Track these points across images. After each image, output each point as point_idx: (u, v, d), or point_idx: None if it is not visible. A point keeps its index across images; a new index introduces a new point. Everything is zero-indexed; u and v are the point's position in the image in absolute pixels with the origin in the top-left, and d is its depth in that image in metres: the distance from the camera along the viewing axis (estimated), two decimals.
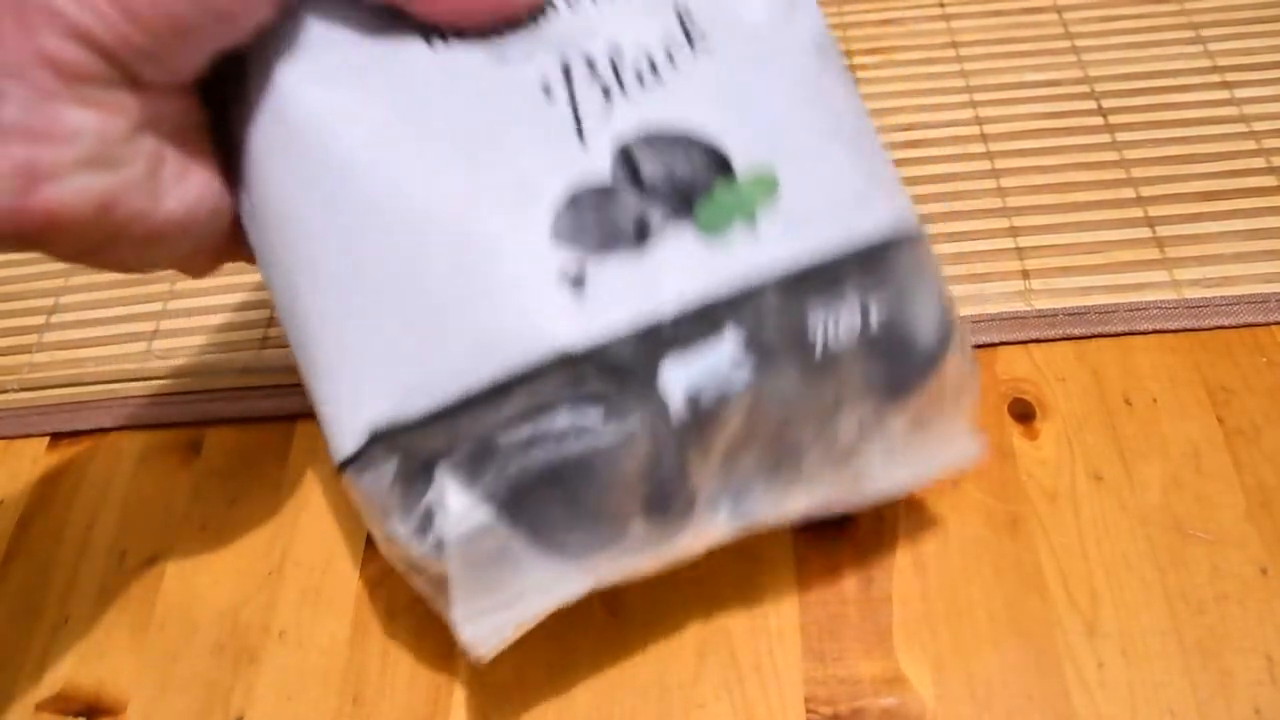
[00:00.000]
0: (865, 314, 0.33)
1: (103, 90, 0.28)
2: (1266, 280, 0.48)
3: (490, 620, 0.33)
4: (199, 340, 0.53)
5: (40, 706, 0.42)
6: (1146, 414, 0.44)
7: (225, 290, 0.55)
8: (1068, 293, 0.48)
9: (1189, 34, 0.59)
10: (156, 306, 0.54)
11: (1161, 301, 0.47)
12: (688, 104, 0.33)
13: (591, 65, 0.33)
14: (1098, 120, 0.55)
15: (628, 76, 0.33)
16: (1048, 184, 0.52)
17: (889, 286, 0.34)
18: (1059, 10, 0.61)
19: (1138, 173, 0.52)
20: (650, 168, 0.32)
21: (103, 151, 0.29)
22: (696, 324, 0.31)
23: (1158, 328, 0.47)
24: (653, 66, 0.33)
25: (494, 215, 0.31)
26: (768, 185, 0.33)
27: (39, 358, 0.53)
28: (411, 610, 0.42)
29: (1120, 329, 0.47)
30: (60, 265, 0.57)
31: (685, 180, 0.32)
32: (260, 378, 0.50)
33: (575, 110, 0.32)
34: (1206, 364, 0.46)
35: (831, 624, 0.40)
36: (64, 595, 0.45)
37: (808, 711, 0.38)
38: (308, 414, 0.49)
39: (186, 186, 0.32)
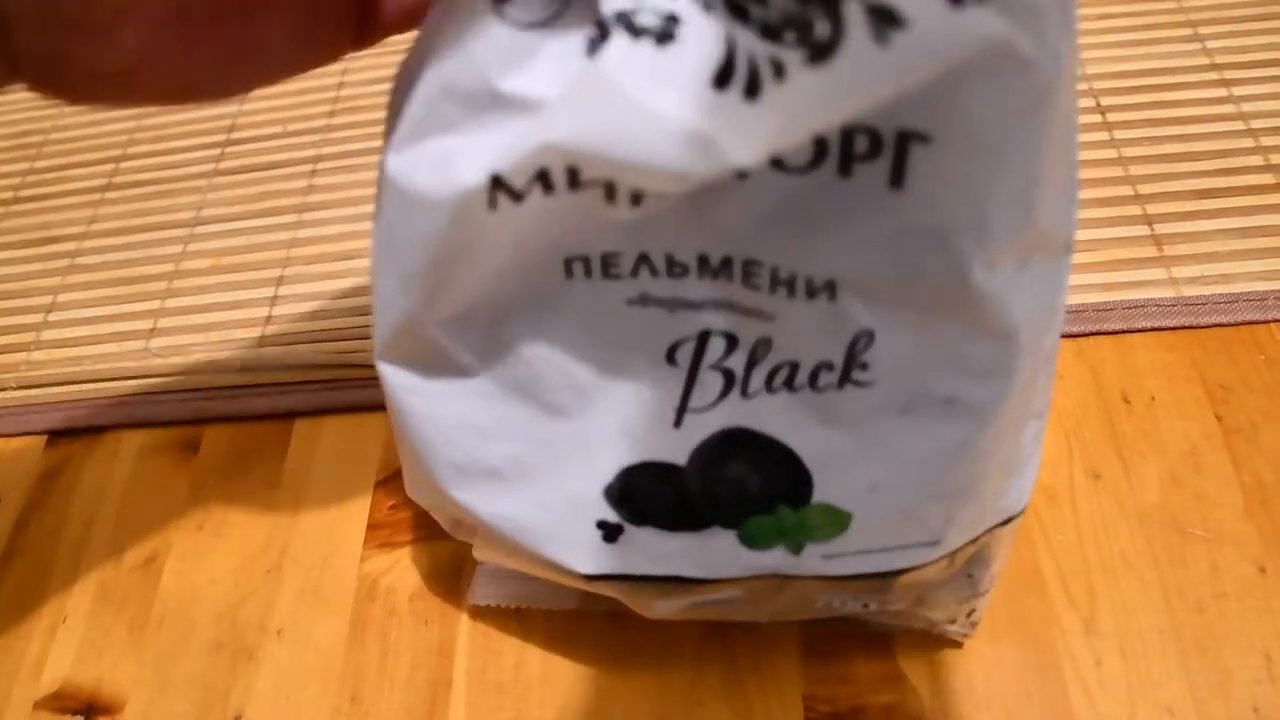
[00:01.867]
0: (868, 605, 0.35)
1: None
2: (1264, 278, 0.48)
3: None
4: (196, 338, 0.53)
5: (39, 705, 0.42)
6: (1144, 412, 0.44)
7: (223, 288, 0.54)
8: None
9: (1187, 31, 0.59)
10: (154, 304, 0.54)
11: (1159, 299, 0.47)
12: (803, 425, 0.30)
13: (731, 346, 0.29)
14: (1095, 118, 0.55)
15: (758, 376, 0.29)
16: None
17: (902, 597, 0.35)
18: None
19: (1135, 170, 0.52)
20: (730, 470, 0.31)
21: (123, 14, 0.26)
22: (705, 584, 0.33)
23: (1156, 325, 0.47)
24: (790, 379, 0.29)
25: (574, 447, 0.31)
26: (838, 523, 0.31)
27: (37, 356, 0.53)
28: (410, 609, 0.42)
29: (1118, 327, 0.47)
30: (58, 264, 0.57)
31: (751, 496, 0.31)
32: (258, 376, 0.50)
33: (687, 394, 0.30)
34: (1205, 362, 0.46)
35: (830, 622, 0.40)
36: (62, 594, 0.45)
37: (806, 710, 0.38)
38: (305, 412, 0.49)
39: None
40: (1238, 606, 0.39)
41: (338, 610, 0.43)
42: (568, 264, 0.28)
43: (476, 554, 0.39)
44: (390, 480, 0.46)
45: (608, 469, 0.31)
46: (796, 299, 0.27)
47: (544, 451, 0.32)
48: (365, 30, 0.31)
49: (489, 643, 0.41)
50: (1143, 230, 0.50)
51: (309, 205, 0.58)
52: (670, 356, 0.29)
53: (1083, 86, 0.57)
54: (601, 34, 0.23)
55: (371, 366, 0.49)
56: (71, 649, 0.43)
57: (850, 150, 0.24)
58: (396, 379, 0.31)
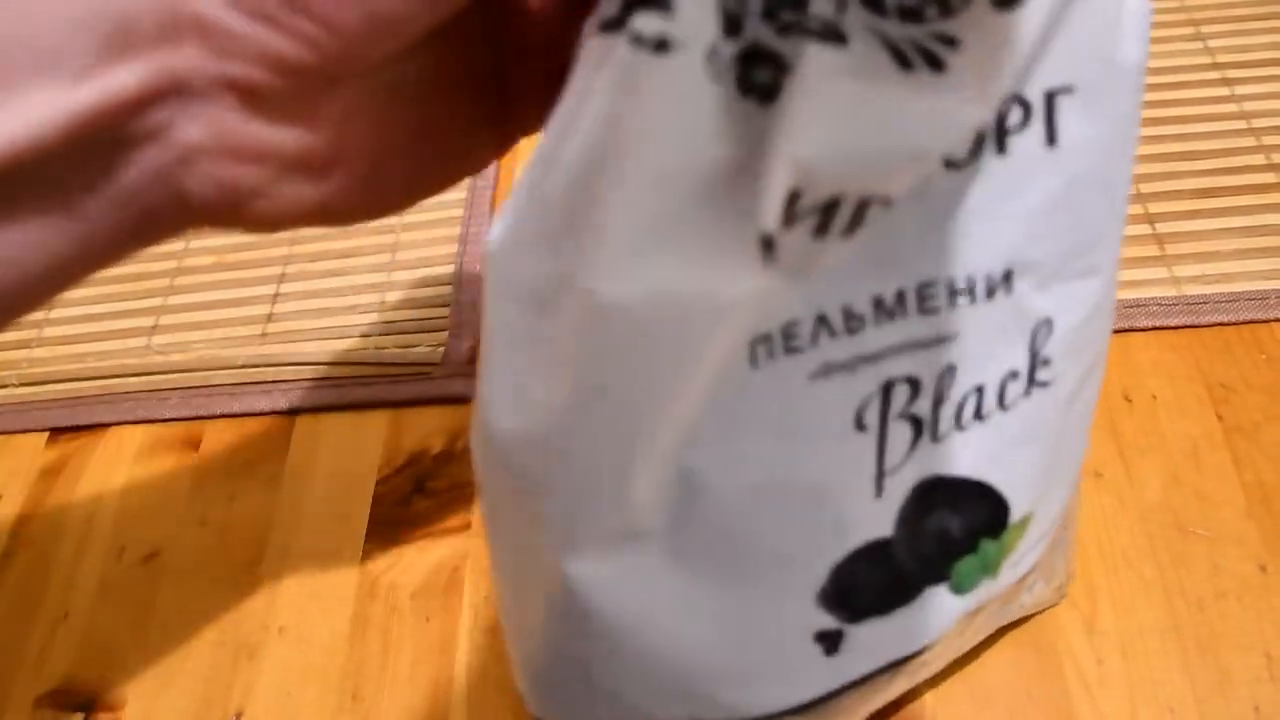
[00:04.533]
0: (1023, 603, 0.37)
1: (297, 102, 0.25)
2: (1266, 277, 0.48)
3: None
4: (198, 335, 0.53)
5: (40, 701, 0.42)
6: (1146, 411, 0.44)
7: (225, 285, 0.54)
8: None
9: (1189, 30, 0.58)
10: (156, 302, 0.54)
11: (1161, 298, 0.47)
12: (999, 454, 0.29)
13: (915, 389, 0.27)
14: None
15: (946, 413, 0.28)
16: None
17: (1041, 574, 0.36)
18: None
19: (1137, 169, 0.52)
20: (931, 523, 0.30)
21: (306, 160, 0.26)
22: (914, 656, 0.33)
23: (1157, 324, 0.47)
24: (978, 409, 0.28)
25: (773, 565, 0.29)
26: (1024, 527, 0.31)
27: (39, 353, 0.53)
28: (412, 606, 0.42)
29: (1120, 325, 0.47)
30: None
31: (956, 540, 0.30)
32: (260, 373, 0.50)
33: (882, 455, 0.28)
34: (1206, 361, 0.46)
35: None
36: (64, 590, 0.45)
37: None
38: (307, 409, 0.49)
39: (434, 151, 0.30)
40: (1238, 605, 0.39)
41: (339, 607, 0.43)
42: (753, 348, 0.25)
43: None
44: (391, 477, 0.46)
45: (819, 573, 0.29)
46: (977, 304, 0.27)
47: (745, 590, 0.29)
48: (505, 134, 0.31)
49: (490, 640, 0.41)
50: (1144, 229, 0.50)
51: None
52: (859, 422, 0.27)
53: None
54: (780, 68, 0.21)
55: (374, 364, 0.49)
56: (73, 646, 0.43)
57: (1004, 126, 0.25)
58: (588, 577, 0.27)
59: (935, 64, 0.21)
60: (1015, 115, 0.25)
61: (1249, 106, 0.54)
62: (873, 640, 0.31)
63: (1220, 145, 0.53)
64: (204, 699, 0.41)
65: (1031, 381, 0.29)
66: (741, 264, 0.22)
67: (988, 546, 0.31)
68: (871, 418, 0.27)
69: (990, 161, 0.26)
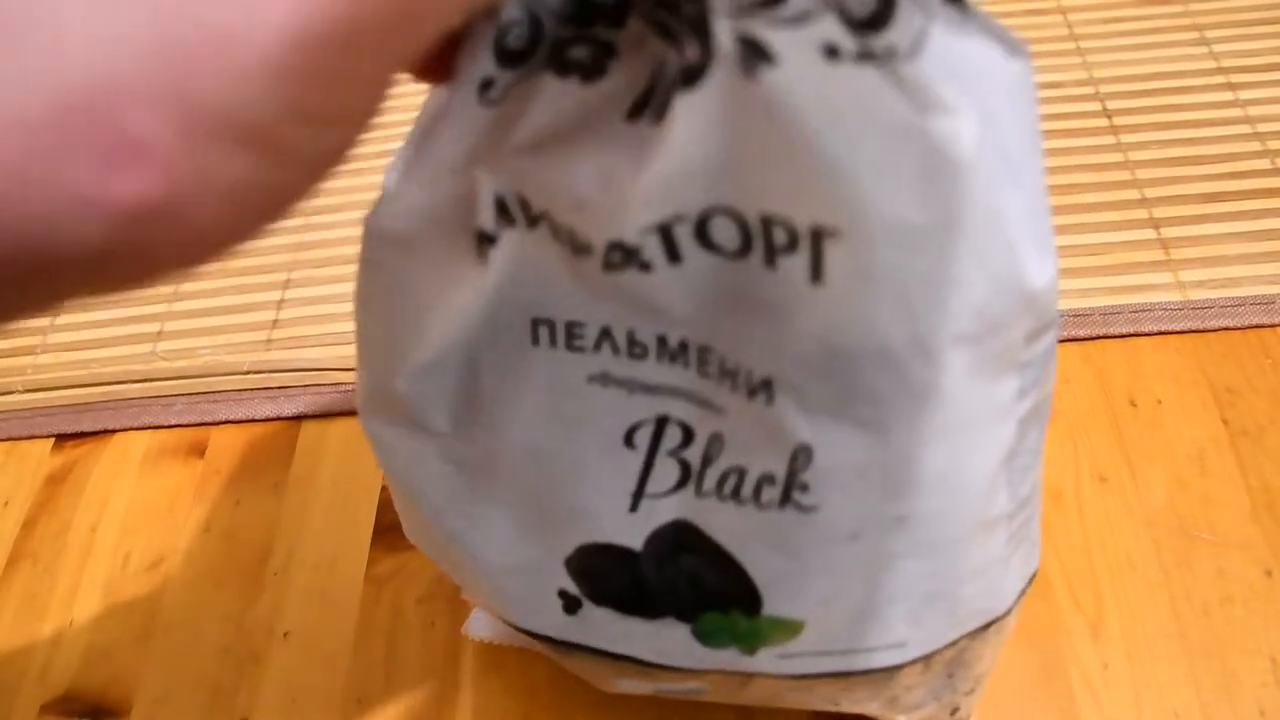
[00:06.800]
0: (838, 703, 0.34)
1: None
2: (1271, 281, 0.48)
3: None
4: (203, 341, 0.53)
5: (45, 708, 0.42)
6: (1151, 415, 0.44)
7: (230, 292, 0.55)
8: (1072, 294, 0.48)
9: (1193, 35, 0.59)
10: (161, 308, 0.54)
11: (1166, 303, 0.47)
12: (748, 543, 0.28)
13: (687, 438, 0.28)
14: (1102, 121, 0.55)
15: (711, 475, 0.28)
16: (1052, 185, 0.52)
17: (874, 695, 0.34)
18: (1063, 11, 0.61)
19: (1142, 174, 0.52)
20: (683, 562, 0.30)
21: None
22: (663, 670, 0.33)
23: (1162, 329, 0.47)
24: (737, 489, 0.28)
25: (539, 517, 0.30)
26: (789, 630, 0.30)
27: (44, 359, 0.53)
28: (416, 612, 0.42)
29: (1125, 330, 0.47)
30: None
31: (705, 593, 0.30)
32: (265, 379, 0.50)
33: (644, 478, 0.29)
34: (1211, 365, 0.46)
35: None
36: (69, 597, 0.45)
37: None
38: (312, 415, 0.49)
39: None
40: (1244, 610, 0.39)
41: (344, 613, 0.43)
42: (534, 326, 0.27)
43: (464, 595, 0.39)
44: None
45: (567, 544, 0.31)
46: (739, 394, 0.26)
47: (511, 516, 0.31)
48: None
49: (495, 645, 0.41)
50: (1149, 234, 0.50)
51: (315, 209, 0.58)
52: (629, 439, 0.28)
53: (1089, 90, 0.57)
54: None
55: None
56: (78, 652, 0.43)
57: (771, 241, 0.23)
58: (378, 434, 0.31)
59: (661, 114, 0.22)
60: (780, 235, 0.23)
61: (1253, 111, 0.54)
62: (609, 626, 0.32)
63: (1225, 150, 0.53)
64: (210, 705, 0.41)
65: (786, 498, 0.27)
66: (467, 250, 0.26)
67: (739, 619, 0.30)
68: (642, 441, 0.28)
69: (759, 267, 0.24)
